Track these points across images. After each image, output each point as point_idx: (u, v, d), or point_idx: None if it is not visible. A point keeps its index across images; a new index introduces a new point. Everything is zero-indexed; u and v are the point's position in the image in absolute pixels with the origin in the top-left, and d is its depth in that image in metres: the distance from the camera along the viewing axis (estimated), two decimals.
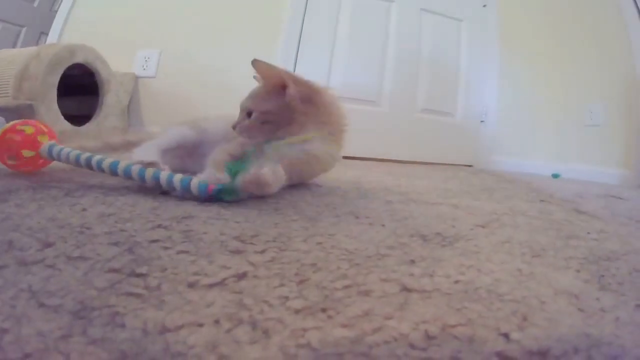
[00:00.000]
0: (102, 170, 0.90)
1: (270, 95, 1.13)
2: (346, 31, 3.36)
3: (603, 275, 0.61)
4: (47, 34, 3.11)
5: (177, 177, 0.86)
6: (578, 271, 0.62)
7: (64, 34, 3.01)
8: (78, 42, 2.23)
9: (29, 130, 0.96)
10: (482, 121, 3.74)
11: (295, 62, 3.19)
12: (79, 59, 2.16)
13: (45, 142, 0.95)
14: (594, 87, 3.24)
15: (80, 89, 2.39)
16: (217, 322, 0.37)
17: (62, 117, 2.03)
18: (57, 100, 2.01)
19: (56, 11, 3.10)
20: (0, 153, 0.95)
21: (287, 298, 0.42)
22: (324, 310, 0.40)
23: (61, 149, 0.93)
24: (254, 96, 1.17)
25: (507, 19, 3.75)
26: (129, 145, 1.28)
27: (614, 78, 3.12)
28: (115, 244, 0.54)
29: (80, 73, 2.25)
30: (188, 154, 1.22)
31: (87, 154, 0.91)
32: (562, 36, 3.48)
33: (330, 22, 3.33)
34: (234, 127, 1.14)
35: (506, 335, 0.38)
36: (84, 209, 0.70)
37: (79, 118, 2.26)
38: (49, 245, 0.51)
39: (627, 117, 3.01)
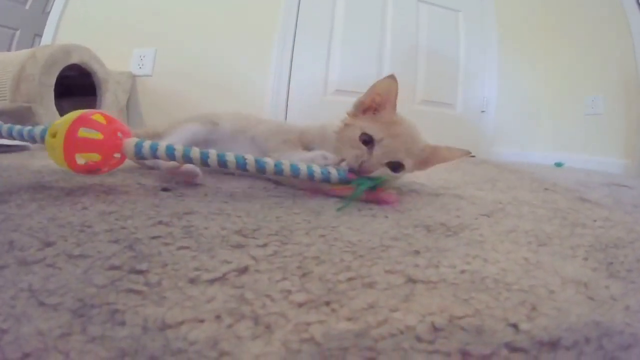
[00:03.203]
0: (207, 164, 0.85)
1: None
2: (342, 24, 3.36)
3: (611, 263, 0.61)
4: (41, 36, 3.09)
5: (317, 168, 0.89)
6: (585, 259, 0.62)
7: (58, 35, 2.99)
8: (73, 43, 2.22)
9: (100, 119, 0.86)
10: (482, 111, 3.74)
11: (292, 56, 3.19)
12: (74, 59, 2.15)
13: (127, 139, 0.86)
14: (594, 77, 3.26)
15: (78, 89, 2.38)
16: (218, 317, 0.36)
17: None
18: (55, 102, 2.00)
19: (49, 12, 3.09)
20: (70, 151, 0.80)
21: (289, 292, 0.42)
22: (327, 303, 0.40)
23: (153, 145, 0.85)
24: (374, 122, 1.03)
25: (506, 9, 3.75)
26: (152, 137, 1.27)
27: (614, 68, 3.13)
28: (116, 241, 0.53)
29: (77, 74, 2.25)
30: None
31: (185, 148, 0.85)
32: (562, 26, 3.49)
33: (326, 16, 3.33)
34: (359, 165, 0.97)
35: (515, 326, 0.38)
36: (84, 208, 0.69)
37: None
38: (49, 244, 0.51)
39: (627, 107, 3.03)
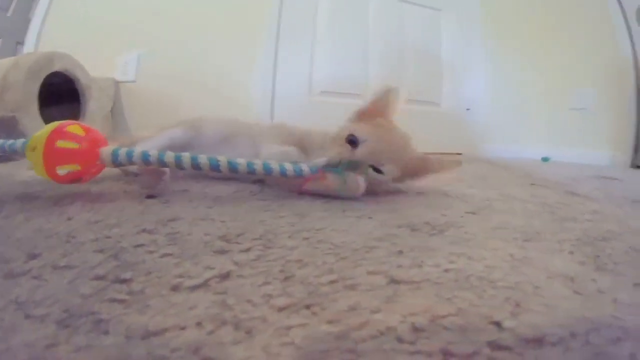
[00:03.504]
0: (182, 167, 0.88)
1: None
2: (325, 26, 3.37)
3: (599, 256, 0.61)
4: (23, 44, 3.06)
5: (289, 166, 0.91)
6: (572, 253, 0.63)
7: (41, 42, 2.94)
8: (55, 50, 2.20)
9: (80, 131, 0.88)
10: (467, 109, 3.76)
11: (275, 59, 3.19)
12: (57, 66, 2.12)
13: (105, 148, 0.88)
14: (580, 71, 3.29)
15: (61, 97, 2.36)
16: (199, 324, 0.36)
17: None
18: (40, 110, 1.99)
19: (30, 19, 3.06)
20: (51, 164, 0.82)
21: (270, 296, 0.42)
22: (308, 306, 0.40)
23: (129, 152, 0.87)
24: (364, 125, 1.05)
25: (491, 6, 3.77)
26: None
27: (599, 62, 3.18)
28: (101, 250, 0.53)
29: (60, 81, 2.22)
30: None
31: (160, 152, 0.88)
32: (547, 22, 3.51)
33: (308, 18, 3.34)
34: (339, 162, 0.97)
35: (499, 324, 0.38)
36: (70, 218, 0.69)
37: None
38: (35, 256, 0.51)
39: (614, 99, 3.08)
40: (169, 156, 0.86)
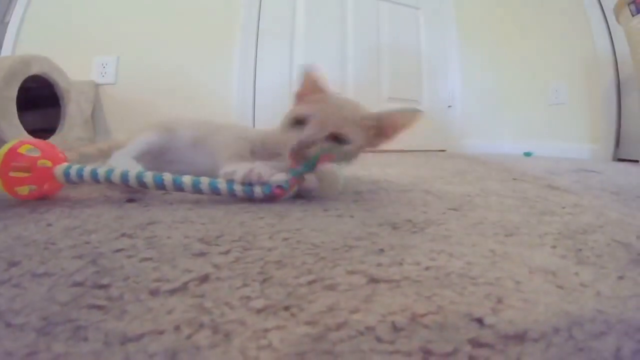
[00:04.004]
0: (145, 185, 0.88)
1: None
2: (303, 27, 3.37)
3: (580, 249, 0.61)
4: (0, 47, 3.01)
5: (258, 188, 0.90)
6: (554, 247, 0.62)
7: (18, 45, 2.91)
8: (32, 53, 2.17)
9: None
10: (449, 106, 3.78)
11: (255, 61, 3.19)
12: (34, 70, 2.10)
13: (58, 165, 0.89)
14: (556, 67, 3.35)
15: (41, 101, 2.34)
16: (177, 328, 0.36)
17: (25, 133, 1.96)
18: (18, 115, 1.96)
19: (8, 23, 3.02)
20: (9, 186, 0.85)
21: (249, 298, 0.41)
22: (286, 308, 0.39)
23: (79, 170, 0.88)
24: (304, 103, 1.05)
25: (465, 4, 3.80)
26: (102, 154, 1.24)
27: (578, 57, 3.23)
28: (79, 257, 0.53)
29: (39, 85, 2.20)
30: (155, 158, 1.18)
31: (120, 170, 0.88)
32: (523, 19, 3.55)
33: (286, 20, 3.35)
34: (298, 146, 0.95)
35: (479, 321, 0.38)
36: (49, 225, 0.69)
37: (42, 132, 2.19)
38: (14, 264, 0.50)
39: (593, 94, 3.13)
40: (115, 175, 0.87)
